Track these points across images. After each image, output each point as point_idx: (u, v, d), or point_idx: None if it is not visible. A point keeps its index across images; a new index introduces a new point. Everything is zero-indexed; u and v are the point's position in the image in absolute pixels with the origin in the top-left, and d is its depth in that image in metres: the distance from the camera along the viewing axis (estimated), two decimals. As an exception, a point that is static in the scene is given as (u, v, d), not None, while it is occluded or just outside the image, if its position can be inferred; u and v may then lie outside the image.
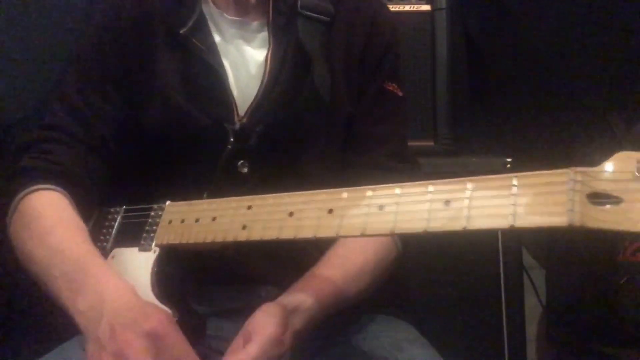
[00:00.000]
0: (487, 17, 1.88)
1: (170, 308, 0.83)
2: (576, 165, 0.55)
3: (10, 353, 1.33)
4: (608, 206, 0.52)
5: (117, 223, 0.98)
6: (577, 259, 1.67)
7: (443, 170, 1.52)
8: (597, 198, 0.53)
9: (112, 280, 0.79)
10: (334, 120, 1.02)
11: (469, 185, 0.60)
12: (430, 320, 1.00)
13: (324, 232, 0.69)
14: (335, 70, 1.01)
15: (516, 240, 1.55)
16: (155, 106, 0.99)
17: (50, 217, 0.87)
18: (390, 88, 1.06)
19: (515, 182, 0.58)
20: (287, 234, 0.72)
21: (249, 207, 0.78)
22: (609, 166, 0.54)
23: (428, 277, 1.47)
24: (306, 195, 0.73)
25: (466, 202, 0.60)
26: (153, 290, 0.87)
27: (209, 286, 0.97)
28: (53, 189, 0.91)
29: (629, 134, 1.55)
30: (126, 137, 1.01)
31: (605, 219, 0.52)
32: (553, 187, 0.55)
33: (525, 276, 1.68)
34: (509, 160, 1.51)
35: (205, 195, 0.89)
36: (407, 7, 1.60)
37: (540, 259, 1.92)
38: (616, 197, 0.52)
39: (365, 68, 1.05)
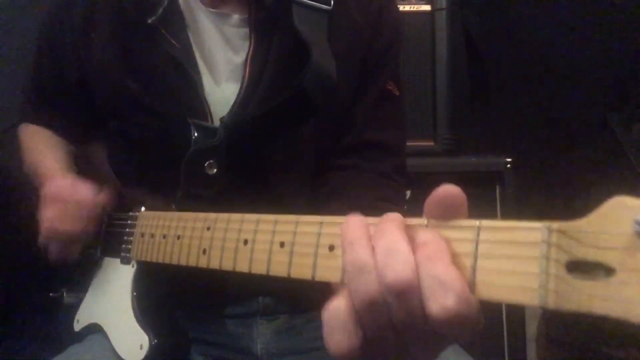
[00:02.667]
0: (487, 17, 1.88)
1: (148, 332, 0.81)
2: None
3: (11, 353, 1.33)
4: (594, 279, 0.38)
5: (103, 230, 0.94)
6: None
7: (443, 170, 1.52)
8: (581, 268, 0.38)
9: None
10: (324, 122, 0.90)
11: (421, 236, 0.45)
12: None
13: (276, 270, 0.58)
14: (339, 61, 0.86)
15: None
16: (120, 109, 0.92)
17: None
18: (390, 87, 0.97)
19: (478, 235, 0.43)
20: (241, 266, 0.62)
21: (208, 229, 0.68)
22: (596, 221, 0.38)
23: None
24: (260, 220, 0.61)
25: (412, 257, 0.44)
26: (134, 310, 0.84)
27: (198, 311, 0.93)
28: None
29: (629, 134, 1.54)
30: (88, 135, 1.02)
31: (589, 298, 0.38)
32: (522, 249, 0.41)
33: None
34: (509, 160, 1.51)
35: (173, 206, 0.83)
36: (407, 7, 1.60)
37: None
38: (607, 267, 0.37)
39: (368, 66, 0.94)
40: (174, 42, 0.87)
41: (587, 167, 1.59)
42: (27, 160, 1.04)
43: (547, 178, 1.82)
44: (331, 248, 0.52)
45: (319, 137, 0.91)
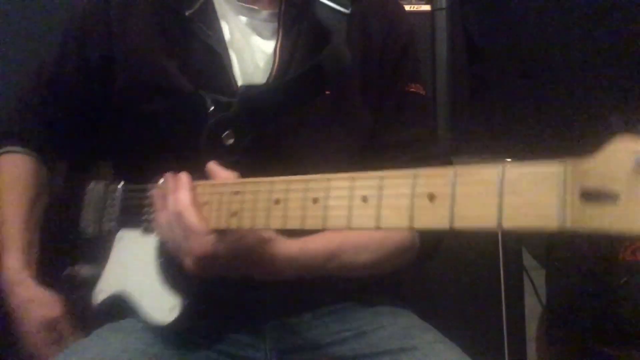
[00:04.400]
0: (487, 17, 1.88)
1: (178, 294, 0.85)
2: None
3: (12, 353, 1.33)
4: (604, 204, 0.46)
5: (119, 201, 0.98)
6: (577, 259, 1.66)
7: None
8: (592, 195, 0.46)
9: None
10: (341, 103, 0.98)
11: (453, 179, 0.55)
12: (430, 320, 1.00)
13: (310, 224, 0.65)
14: (355, 59, 0.97)
15: (516, 240, 1.55)
16: (147, 81, 0.98)
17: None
18: (414, 89, 1.04)
19: (502, 176, 0.52)
20: (275, 223, 0.68)
21: (236, 193, 0.74)
22: (603, 157, 0.46)
23: (428, 276, 1.46)
24: (291, 181, 0.68)
25: (449, 199, 0.54)
26: (160, 276, 0.88)
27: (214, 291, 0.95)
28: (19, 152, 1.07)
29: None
30: (109, 113, 1.04)
31: (601, 219, 0.46)
32: (542, 184, 0.49)
33: (525, 276, 1.68)
34: (509, 160, 1.51)
35: (194, 175, 0.86)
36: (407, 7, 1.60)
37: (540, 259, 1.92)
38: (613, 194, 0.45)
39: (385, 69, 1.02)
40: (208, 32, 0.96)
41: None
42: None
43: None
44: (364, 199, 0.60)
45: (334, 118, 0.98)
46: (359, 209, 0.60)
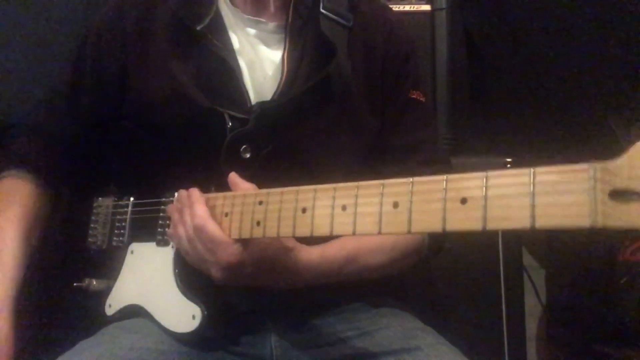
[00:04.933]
0: (487, 17, 1.88)
1: (198, 303, 0.87)
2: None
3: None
4: (632, 202, 0.49)
5: (128, 217, 1.00)
6: (577, 259, 1.67)
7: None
8: (620, 195, 0.50)
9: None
10: (346, 112, 1.02)
11: (485, 182, 0.57)
12: (430, 319, 1.00)
13: (340, 230, 0.67)
14: (356, 69, 1.02)
15: (516, 241, 1.55)
16: (166, 101, 1.00)
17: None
18: (415, 96, 1.08)
19: (532, 178, 0.54)
20: (302, 231, 0.71)
21: (260, 203, 0.77)
22: (630, 158, 0.50)
23: (428, 276, 1.47)
24: (317, 190, 0.71)
25: (482, 201, 0.56)
26: (179, 286, 0.89)
27: (221, 289, 0.95)
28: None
29: (629, 134, 1.55)
30: (121, 129, 1.05)
31: (630, 217, 0.49)
32: (573, 185, 0.52)
33: (525, 276, 1.68)
34: (509, 160, 1.51)
35: (213, 189, 0.89)
36: (407, 7, 1.60)
37: (540, 259, 1.92)
38: (639, 193, 0.49)
39: (388, 77, 1.06)
40: (219, 44, 0.99)
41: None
42: None
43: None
44: (395, 205, 0.62)
45: (341, 128, 1.02)
46: (388, 215, 0.63)
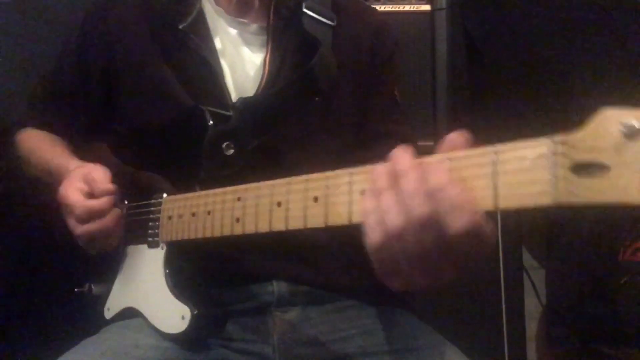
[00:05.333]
0: (487, 17, 1.88)
1: (187, 303, 0.87)
2: None
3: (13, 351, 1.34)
4: (595, 176, 0.46)
5: (123, 220, 0.99)
6: (577, 259, 1.67)
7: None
8: (583, 169, 0.47)
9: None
10: (331, 107, 1.02)
11: (448, 165, 0.56)
12: (430, 319, 1.00)
13: (312, 222, 0.66)
14: (343, 65, 1.02)
15: (516, 240, 1.55)
16: (150, 99, 1.00)
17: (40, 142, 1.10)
18: (396, 93, 1.11)
19: (496, 157, 0.53)
20: (278, 225, 0.70)
21: (239, 199, 0.76)
22: (591, 130, 0.47)
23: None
24: (291, 182, 0.69)
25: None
26: (169, 287, 0.89)
27: (218, 288, 0.96)
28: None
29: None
30: (102, 130, 1.08)
31: (593, 191, 0.46)
32: (534, 161, 0.50)
33: (525, 276, 1.68)
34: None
35: (197, 187, 0.89)
36: (407, 7, 1.60)
37: (540, 259, 1.92)
38: (603, 165, 0.46)
39: (375, 74, 1.07)
40: (201, 44, 0.99)
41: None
42: (34, 163, 1.09)
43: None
44: (362, 192, 0.60)
45: (326, 123, 1.02)
46: (356, 203, 0.61)
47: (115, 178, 1.00)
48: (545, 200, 0.48)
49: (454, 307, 1.48)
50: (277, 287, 0.96)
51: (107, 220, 0.91)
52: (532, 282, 1.81)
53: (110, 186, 0.92)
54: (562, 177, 0.48)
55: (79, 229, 0.91)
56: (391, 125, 1.08)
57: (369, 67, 1.07)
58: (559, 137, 0.48)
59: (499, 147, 0.53)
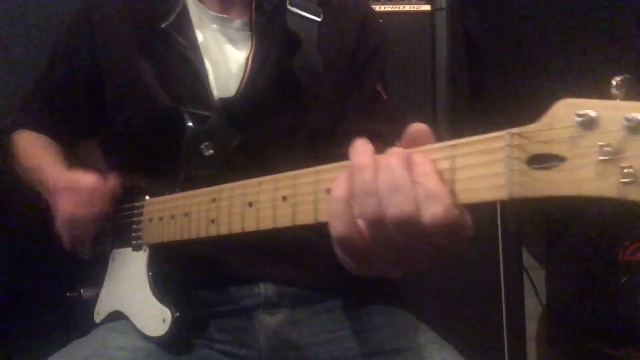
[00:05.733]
0: (487, 17, 1.88)
1: (169, 306, 0.86)
2: None
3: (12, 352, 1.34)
4: (551, 168, 0.45)
5: (110, 224, 0.99)
6: (577, 259, 1.67)
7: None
8: (539, 161, 0.46)
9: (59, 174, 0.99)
10: (312, 106, 1.00)
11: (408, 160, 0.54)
12: (430, 319, 0.99)
13: (281, 222, 0.65)
14: (328, 63, 0.99)
15: (516, 240, 1.55)
16: (131, 101, 1.00)
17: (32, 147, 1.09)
18: (379, 89, 1.07)
19: (454, 151, 0.52)
20: (249, 226, 0.69)
21: (214, 200, 0.75)
22: (547, 121, 0.46)
23: (428, 276, 1.47)
24: (261, 182, 0.68)
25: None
26: (151, 289, 0.89)
27: (203, 290, 0.95)
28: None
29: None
30: (94, 130, 1.08)
31: (550, 183, 0.45)
32: (490, 155, 0.49)
33: (525, 276, 1.68)
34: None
35: (177, 189, 0.88)
36: (407, 7, 1.60)
37: (540, 259, 1.92)
38: (559, 157, 0.45)
39: (356, 68, 1.05)
40: (184, 42, 0.98)
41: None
42: (25, 166, 1.08)
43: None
44: (328, 191, 0.59)
45: (308, 121, 1.00)
46: (322, 202, 0.61)
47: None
48: (501, 194, 0.48)
49: (454, 307, 1.48)
50: (264, 289, 0.95)
51: (96, 206, 0.93)
52: (532, 282, 1.81)
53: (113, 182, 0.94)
54: (517, 170, 0.47)
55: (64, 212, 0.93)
56: (369, 122, 1.04)
57: (351, 62, 1.05)
58: (515, 130, 0.48)
59: (457, 141, 0.52)
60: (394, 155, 0.55)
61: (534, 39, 1.83)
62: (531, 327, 1.85)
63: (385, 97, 1.08)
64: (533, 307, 1.83)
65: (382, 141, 1.00)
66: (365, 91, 1.06)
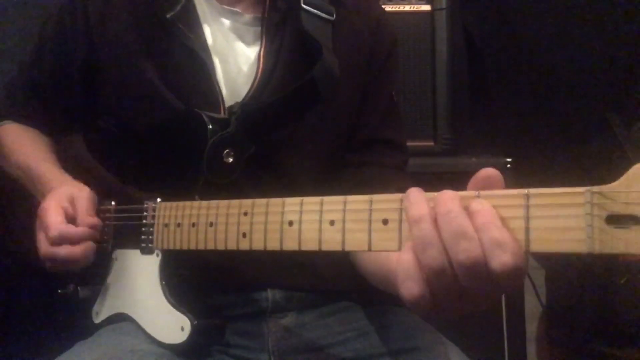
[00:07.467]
0: (487, 17, 1.88)
1: (186, 314, 0.84)
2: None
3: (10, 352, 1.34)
4: (629, 228, 0.48)
5: (112, 222, 0.96)
6: (577, 259, 1.67)
7: (443, 170, 1.52)
8: (617, 220, 0.48)
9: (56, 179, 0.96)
10: (329, 111, 0.97)
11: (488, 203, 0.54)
12: (430, 319, 0.99)
13: (328, 246, 0.64)
14: (343, 65, 0.95)
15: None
16: (133, 100, 0.96)
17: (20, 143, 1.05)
18: (394, 95, 1.06)
19: (528, 201, 0.53)
20: (290, 245, 0.68)
21: (245, 214, 0.73)
22: (626, 182, 0.48)
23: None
24: (304, 202, 0.67)
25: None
26: (166, 297, 0.87)
27: (212, 296, 0.94)
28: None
29: (628, 134, 1.55)
30: (82, 124, 1.04)
31: (627, 243, 0.48)
32: (569, 209, 0.50)
33: (525, 276, 1.68)
34: (509, 160, 1.51)
35: (196, 196, 0.85)
36: (407, 7, 1.60)
37: (541, 259, 1.92)
38: (637, 218, 0.48)
39: (372, 71, 1.02)
40: (190, 35, 0.93)
41: (587, 167, 1.59)
42: (14, 163, 1.04)
43: (547, 178, 1.81)
44: (385, 222, 0.60)
45: (324, 127, 0.98)
46: (377, 232, 0.61)
47: (95, 179, 0.98)
48: (580, 248, 0.50)
49: (454, 307, 1.48)
50: (272, 295, 0.95)
51: (77, 250, 0.87)
52: (532, 282, 1.81)
53: (94, 220, 0.89)
54: (597, 227, 0.49)
55: (46, 249, 0.87)
56: (385, 131, 1.03)
57: (367, 68, 1.02)
58: (596, 188, 0.50)
59: (532, 190, 0.53)
60: (450, 200, 0.54)
61: (534, 39, 1.83)
62: (531, 327, 1.84)
63: (395, 99, 1.07)
64: (533, 307, 1.83)
65: (400, 151, 1.04)
66: (382, 100, 1.04)
